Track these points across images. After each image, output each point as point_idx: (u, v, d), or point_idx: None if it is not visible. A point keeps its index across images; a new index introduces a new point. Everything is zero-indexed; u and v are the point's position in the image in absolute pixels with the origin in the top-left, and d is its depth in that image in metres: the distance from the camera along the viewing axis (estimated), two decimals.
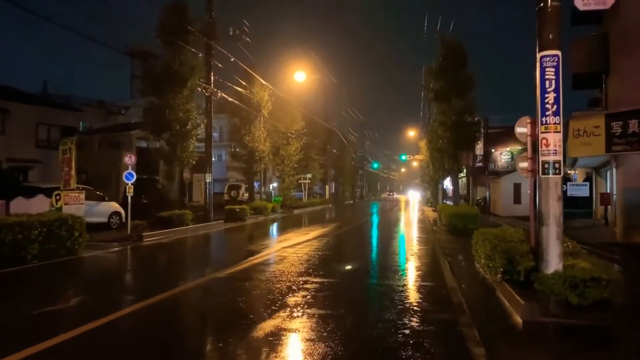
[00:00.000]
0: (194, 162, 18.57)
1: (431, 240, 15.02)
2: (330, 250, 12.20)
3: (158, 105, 17.44)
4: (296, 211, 32.04)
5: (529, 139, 7.46)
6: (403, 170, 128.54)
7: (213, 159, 49.51)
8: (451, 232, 17.39)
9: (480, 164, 35.57)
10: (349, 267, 10.12)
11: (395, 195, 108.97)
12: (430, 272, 9.16)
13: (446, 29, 26.57)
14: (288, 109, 32.02)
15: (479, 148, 35.03)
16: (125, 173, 14.93)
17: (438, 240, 14.82)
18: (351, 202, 60.21)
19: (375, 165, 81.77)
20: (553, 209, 6.08)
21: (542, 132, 6.13)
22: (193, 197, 35.55)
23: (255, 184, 31.04)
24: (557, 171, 6.07)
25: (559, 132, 6.05)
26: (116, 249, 12.69)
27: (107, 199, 18.49)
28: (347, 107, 58.45)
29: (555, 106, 6.04)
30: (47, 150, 27.22)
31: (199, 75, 18.26)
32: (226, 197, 37.88)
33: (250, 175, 28.27)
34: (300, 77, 29.56)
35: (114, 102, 46.32)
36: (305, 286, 7.54)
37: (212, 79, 19.60)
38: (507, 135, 35.26)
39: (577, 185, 21.75)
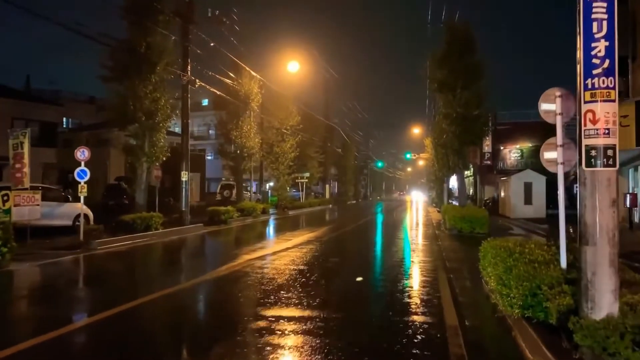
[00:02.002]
0: (164, 159, 16.47)
1: (433, 249, 12.80)
2: (307, 264, 10.01)
3: (121, 94, 15.40)
4: (291, 212, 29.87)
5: (558, 118, 5.35)
6: (409, 169, 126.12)
7: (209, 157, 47.95)
8: (456, 238, 15.26)
9: (488, 162, 33.47)
10: (321, 290, 7.75)
11: (404, 196, 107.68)
12: (426, 298, 7.00)
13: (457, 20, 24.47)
14: (283, 103, 29.95)
15: (487, 145, 32.96)
16: (77, 170, 12.91)
17: (440, 249, 12.67)
18: (354, 202, 57.89)
19: (380, 164, 79.53)
20: (604, 220, 3.97)
21: (587, 102, 4.01)
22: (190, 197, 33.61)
23: (254, 184, 29.04)
24: (611, 161, 3.95)
25: (613, 100, 3.93)
26: (56, 259, 10.68)
27: (70, 199, 16.58)
28: (350, 103, 56.13)
29: (608, 61, 3.92)
30: None
31: (170, 59, 16.17)
32: (219, 197, 36.05)
33: (238, 173, 26.10)
34: (294, 67, 27.33)
35: (106, 97, 44.45)
36: (248, 326, 5.46)
37: (188, 65, 17.58)
38: (516, 132, 33.39)
39: None
